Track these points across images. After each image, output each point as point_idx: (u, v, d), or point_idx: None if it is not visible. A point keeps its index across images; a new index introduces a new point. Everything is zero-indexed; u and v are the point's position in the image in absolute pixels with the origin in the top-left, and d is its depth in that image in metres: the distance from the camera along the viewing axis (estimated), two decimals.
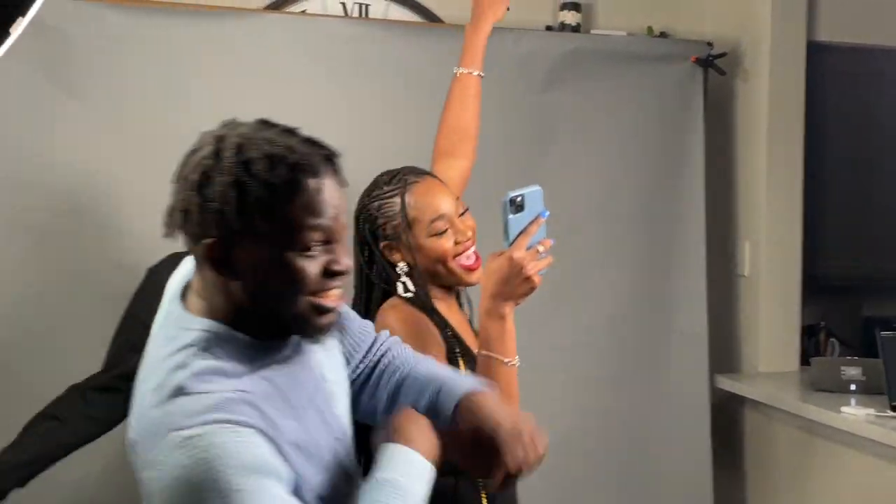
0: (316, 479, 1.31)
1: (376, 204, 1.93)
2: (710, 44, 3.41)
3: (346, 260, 1.31)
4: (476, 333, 1.93)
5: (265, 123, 1.34)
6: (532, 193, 1.73)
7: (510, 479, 1.39)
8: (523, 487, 2.77)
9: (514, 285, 1.69)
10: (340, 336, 1.57)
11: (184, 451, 1.16)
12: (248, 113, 2.99)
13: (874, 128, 3.48)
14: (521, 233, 1.71)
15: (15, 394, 2.68)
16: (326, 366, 1.47)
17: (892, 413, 2.73)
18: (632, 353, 3.36)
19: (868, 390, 2.97)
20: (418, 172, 1.98)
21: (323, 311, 1.31)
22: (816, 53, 3.45)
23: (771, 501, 3.32)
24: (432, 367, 1.60)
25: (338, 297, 1.33)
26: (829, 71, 3.47)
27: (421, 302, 1.90)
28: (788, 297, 3.45)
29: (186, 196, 1.27)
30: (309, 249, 1.26)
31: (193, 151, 1.30)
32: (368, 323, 1.68)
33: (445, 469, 1.61)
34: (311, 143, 1.33)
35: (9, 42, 1.33)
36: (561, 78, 3.31)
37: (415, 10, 3.45)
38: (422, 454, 1.34)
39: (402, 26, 3.32)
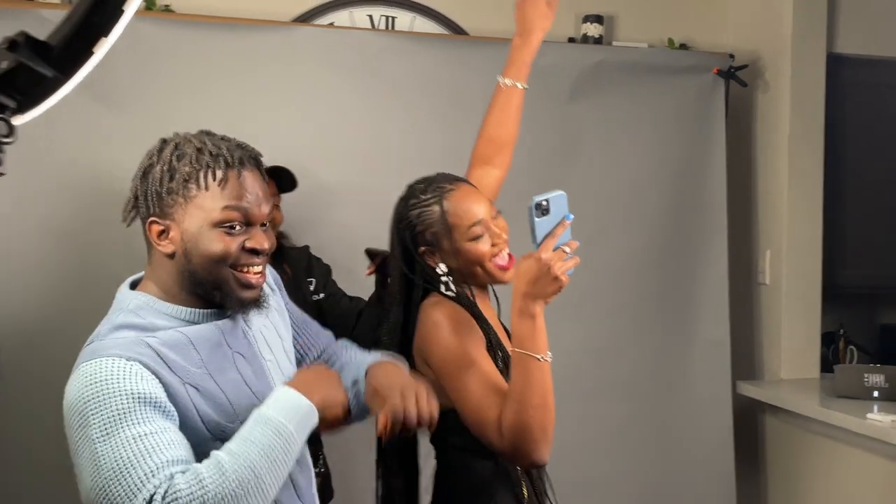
0: (220, 422, 1.49)
1: (416, 212, 1.99)
2: (731, 56, 3.43)
3: (263, 241, 1.54)
4: (504, 327, 2.01)
5: (206, 132, 1.58)
6: (557, 198, 1.77)
7: (399, 428, 1.53)
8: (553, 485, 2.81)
9: (543, 285, 1.74)
10: (295, 333, 1.82)
11: (77, 379, 1.41)
12: (277, 120, 3.07)
13: (893, 138, 3.48)
14: (547, 235, 1.75)
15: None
16: (268, 346, 1.68)
17: None
18: (655, 360, 3.37)
19: (891, 397, 2.98)
20: (452, 179, 2.03)
21: (244, 284, 1.54)
22: (836, 65, 3.46)
23: (791, 502, 3.33)
24: (359, 354, 1.81)
25: (257, 274, 1.55)
26: (848, 82, 3.47)
27: (464, 301, 1.96)
28: (809, 305, 3.45)
29: (134, 185, 1.56)
30: (231, 228, 1.51)
31: (147, 152, 1.57)
32: (328, 332, 1.91)
33: (485, 452, 1.81)
34: (239, 145, 1.57)
35: (94, 61, 1.34)
36: (584, 89, 3.34)
37: (440, 22, 3.50)
38: (313, 402, 1.50)
39: (428, 38, 3.35)
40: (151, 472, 1.35)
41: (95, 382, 1.39)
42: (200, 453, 1.43)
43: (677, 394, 3.38)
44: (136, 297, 1.55)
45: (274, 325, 1.74)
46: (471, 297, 1.99)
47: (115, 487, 1.34)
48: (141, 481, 1.35)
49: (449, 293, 1.98)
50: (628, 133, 3.37)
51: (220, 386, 1.52)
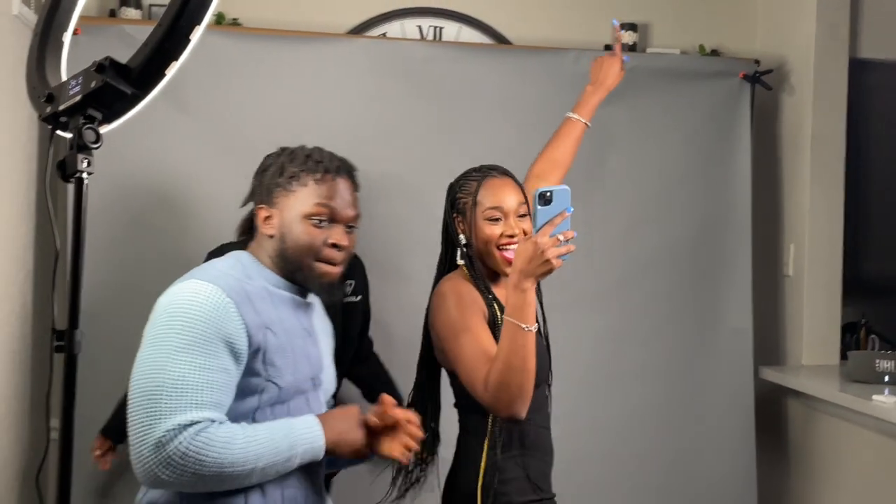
0: (280, 371, 1.72)
1: (460, 182, 2.26)
2: (757, 61, 3.50)
3: (343, 239, 1.82)
4: None
5: (318, 147, 1.90)
6: (560, 191, 1.94)
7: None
8: (582, 463, 2.91)
9: (536, 265, 1.91)
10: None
11: (184, 289, 1.67)
12: (332, 126, 3.20)
13: None
14: (546, 223, 1.93)
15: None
16: (320, 332, 1.93)
17: None
18: (682, 346, 3.43)
19: None
20: (502, 171, 2.25)
21: (321, 274, 1.80)
22: (859, 69, 3.50)
23: (810, 484, 3.35)
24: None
25: (334, 267, 1.82)
26: (870, 85, 3.52)
27: (471, 269, 2.18)
28: (830, 296, 3.49)
29: (253, 181, 1.90)
30: (319, 222, 1.79)
31: (268, 154, 1.91)
32: None
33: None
34: (340, 158, 1.88)
35: (164, 81, 1.56)
36: (618, 93, 3.29)
37: (485, 32, 3.60)
38: (327, 441, 1.73)
39: (473, 48, 3.45)
40: (201, 403, 1.58)
41: (196, 301, 1.64)
42: (248, 388, 1.68)
43: (702, 378, 3.44)
44: (244, 255, 1.84)
45: (325, 330, 2.00)
46: (478, 268, 2.17)
47: (170, 396, 1.56)
48: (191, 404, 1.57)
49: (461, 262, 2.19)
50: (659, 133, 3.45)
51: (291, 344, 1.76)
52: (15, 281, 2.89)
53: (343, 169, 1.86)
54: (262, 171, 1.88)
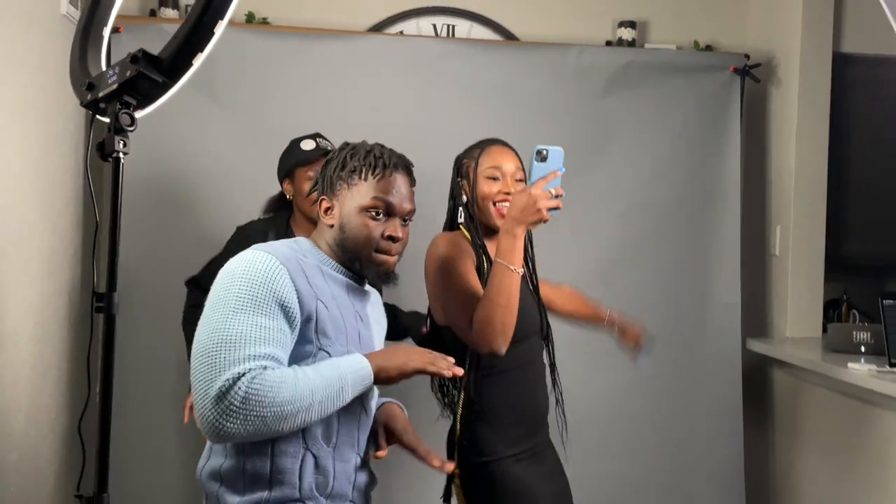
0: (330, 339, 1.70)
1: (466, 151, 2.34)
2: (747, 56, 3.52)
3: (398, 231, 1.79)
4: None
5: (379, 144, 1.88)
6: (555, 151, 2.00)
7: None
8: (581, 427, 2.97)
9: (527, 214, 1.98)
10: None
11: (243, 257, 1.68)
12: (353, 116, 3.24)
13: (892, 128, 3.51)
14: (541, 178, 1.99)
15: None
16: (373, 321, 1.90)
17: (890, 369, 2.80)
18: (675, 319, 3.46)
19: (876, 352, 3.02)
20: (501, 142, 2.33)
21: (378, 263, 1.79)
22: (842, 63, 3.50)
23: (793, 445, 3.37)
24: None
25: (391, 257, 1.80)
26: (852, 78, 3.51)
27: (471, 227, 2.25)
28: (813, 274, 3.51)
29: (321, 173, 1.86)
30: (376, 214, 1.77)
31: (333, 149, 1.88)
32: None
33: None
34: (400, 154, 1.86)
35: (191, 71, 1.61)
36: (618, 85, 3.45)
37: (494, 29, 3.63)
38: (371, 366, 1.71)
39: (483, 43, 3.49)
40: (255, 355, 1.57)
41: (252, 268, 1.64)
42: (302, 355, 1.68)
43: (694, 348, 3.47)
44: (303, 238, 1.83)
45: (380, 322, 1.97)
46: (479, 231, 2.24)
47: (227, 351, 1.56)
48: (246, 356, 1.56)
49: (461, 221, 2.26)
50: (656, 122, 3.48)
51: (343, 320, 1.74)
52: (66, 255, 2.97)
53: (401, 165, 1.83)
54: (325, 165, 1.86)
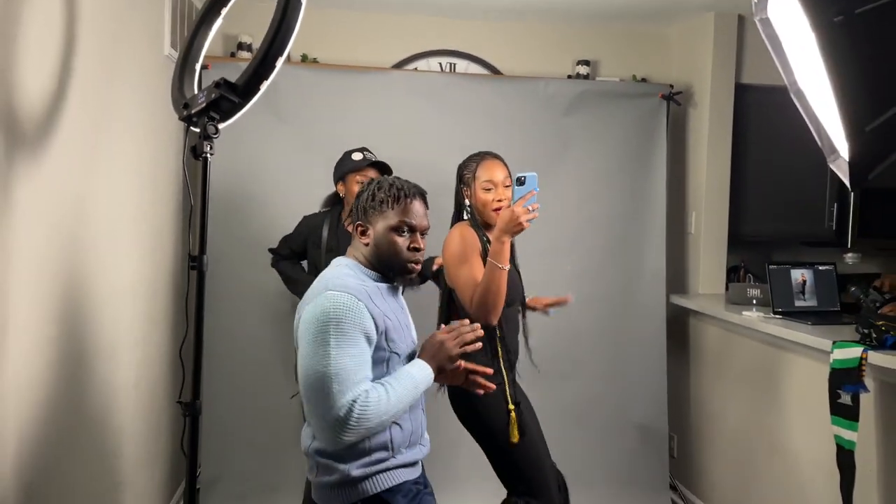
0: (397, 344, 1.66)
1: (465, 163, 2.34)
2: (671, 86, 3.52)
3: (420, 244, 1.71)
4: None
5: (397, 177, 1.76)
6: (531, 176, 2.04)
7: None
8: (545, 361, 2.99)
9: (511, 226, 2.03)
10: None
11: (324, 299, 1.57)
12: (381, 132, 3.24)
13: (778, 138, 3.49)
14: (520, 198, 2.03)
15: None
16: (406, 309, 1.83)
17: (774, 315, 2.85)
18: (617, 281, 3.48)
19: (764, 304, 3.06)
20: (493, 155, 2.33)
21: (408, 270, 1.71)
22: (741, 91, 3.50)
23: (704, 374, 3.40)
24: None
25: (416, 264, 1.71)
26: (749, 102, 3.50)
27: (473, 221, 2.27)
28: (719, 247, 3.53)
29: (355, 204, 1.75)
30: (402, 233, 1.69)
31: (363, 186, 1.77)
32: None
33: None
34: (414, 185, 1.75)
35: (259, 94, 1.63)
36: (575, 108, 3.45)
37: (484, 66, 3.64)
38: (433, 370, 1.68)
39: (477, 77, 3.50)
40: (359, 381, 1.53)
41: (339, 309, 1.54)
42: (379, 359, 1.62)
43: (630, 303, 3.49)
44: (349, 261, 1.72)
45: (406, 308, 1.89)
46: (479, 225, 2.25)
47: (337, 383, 1.50)
48: (352, 383, 1.52)
49: (466, 217, 2.28)
50: (604, 136, 3.47)
51: (398, 322, 1.69)
52: (173, 230, 3.00)
53: (417, 192, 1.74)
54: (357, 196, 1.75)
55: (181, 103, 1.70)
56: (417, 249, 1.71)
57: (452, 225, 2.35)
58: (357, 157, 2.74)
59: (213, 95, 1.60)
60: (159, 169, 2.80)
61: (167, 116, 2.80)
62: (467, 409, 2.24)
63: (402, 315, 1.76)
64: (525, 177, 2.04)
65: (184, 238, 3.18)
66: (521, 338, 2.36)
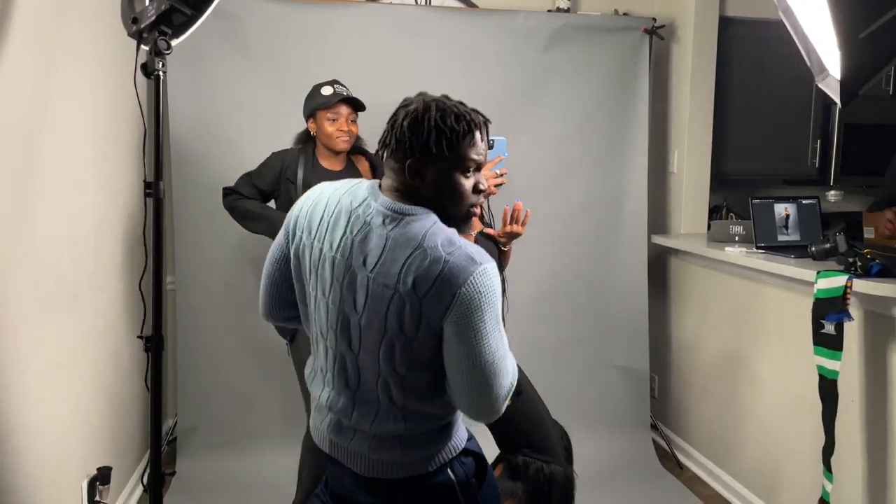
0: None
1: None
2: (654, 19, 3.40)
3: (485, 182, 1.43)
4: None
5: (447, 97, 1.39)
6: (500, 140, 1.96)
7: None
8: (533, 303, 2.91)
9: None
10: None
11: (483, 276, 1.27)
12: (353, 68, 3.11)
13: (763, 73, 3.43)
14: (489, 161, 1.94)
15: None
16: None
17: (756, 251, 2.82)
18: (599, 221, 3.42)
19: (746, 241, 3.02)
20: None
21: (471, 214, 1.43)
22: (725, 24, 3.42)
23: (685, 315, 3.39)
24: None
25: (478, 206, 1.44)
26: (733, 36, 3.42)
27: None
28: (701, 186, 3.48)
29: (402, 133, 1.34)
30: (468, 172, 1.37)
31: (405, 106, 1.37)
32: None
33: None
34: (475, 111, 1.40)
35: (212, 7, 1.51)
36: (555, 44, 3.32)
37: None
38: None
39: (451, 10, 3.35)
40: (512, 365, 1.37)
41: (493, 283, 1.29)
42: None
43: (613, 242, 3.44)
44: (423, 210, 1.36)
45: None
46: None
47: (503, 363, 1.32)
48: (510, 362, 1.35)
49: None
50: (584, 72, 3.37)
51: None
52: (136, 164, 2.86)
53: (483, 121, 1.41)
54: (413, 127, 1.34)
55: (130, 17, 1.59)
56: (481, 191, 1.42)
57: None
58: (327, 91, 2.59)
59: (162, 7, 1.49)
60: (118, 97, 2.65)
61: (121, 34, 2.64)
62: None
63: None
64: (493, 140, 1.96)
65: (140, 163, 2.97)
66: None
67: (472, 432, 1.54)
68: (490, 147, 1.93)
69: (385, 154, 1.39)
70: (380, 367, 1.33)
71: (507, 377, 1.33)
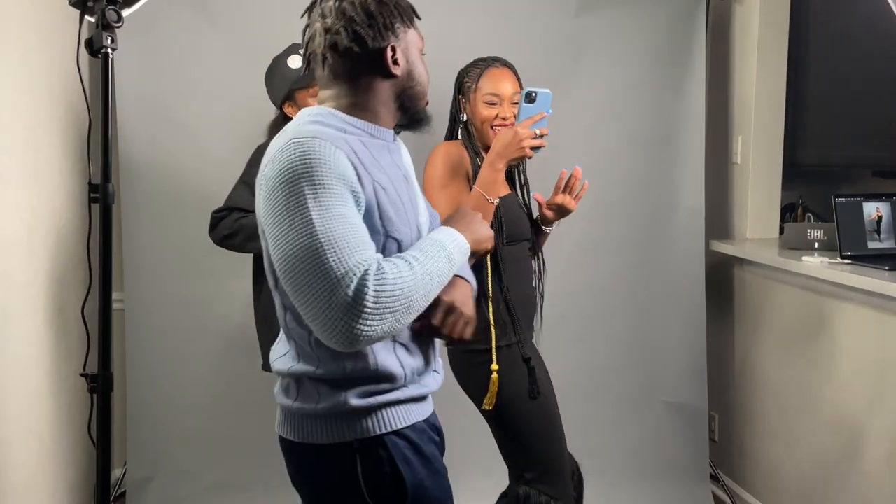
0: (397, 224, 1.45)
1: (467, 69, 2.30)
2: None
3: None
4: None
5: None
6: (544, 93, 1.98)
7: (436, 333, 1.53)
8: (566, 319, 2.91)
9: (511, 150, 1.99)
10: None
11: (290, 149, 1.34)
12: None
13: (847, 42, 3.41)
14: (528, 118, 1.96)
15: None
16: (412, 175, 1.65)
17: (842, 261, 2.79)
18: (646, 222, 3.42)
19: (828, 248, 2.99)
20: (504, 63, 2.29)
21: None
22: None
23: (753, 340, 3.37)
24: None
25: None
26: None
27: (468, 140, 2.25)
28: (771, 180, 3.46)
29: (348, 20, 1.45)
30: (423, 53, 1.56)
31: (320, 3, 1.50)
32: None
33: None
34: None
35: None
36: (590, 6, 3.32)
37: None
38: (469, 242, 1.53)
39: None
40: (362, 248, 1.32)
41: (308, 158, 1.32)
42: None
43: (663, 249, 3.43)
44: (320, 109, 1.48)
45: (413, 172, 1.69)
46: (474, 143, 2.23)
47: (333, 254, 1.29)
48: (356, 253, 1.30)
49: (459, 136, 2.26)
50: (626, 40, 3.36)
51: (399, 194, 1.48)
52: (79, 158, 2.87)
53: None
54: (366, 12, 1.46)
55: None
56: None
57: (452, 131, 2.33)
58: (295, 63, 2.56)
59: None
60: (55, 78, 2.64)
61: (61, 5, 2.63)
62: (462, 373, 2.26)
63: (406, 185, 1.55)
64: (536, 93, 1.98)
65: (82, 161, 2.96)
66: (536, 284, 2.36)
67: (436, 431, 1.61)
68: (530, 100, 1.98)
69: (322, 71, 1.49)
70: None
71: (342, 279, 1.28)
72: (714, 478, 3.53)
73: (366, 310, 1.28)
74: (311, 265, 1.29)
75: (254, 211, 2.46)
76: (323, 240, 1.29)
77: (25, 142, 2.43)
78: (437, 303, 1.47)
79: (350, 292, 1.27)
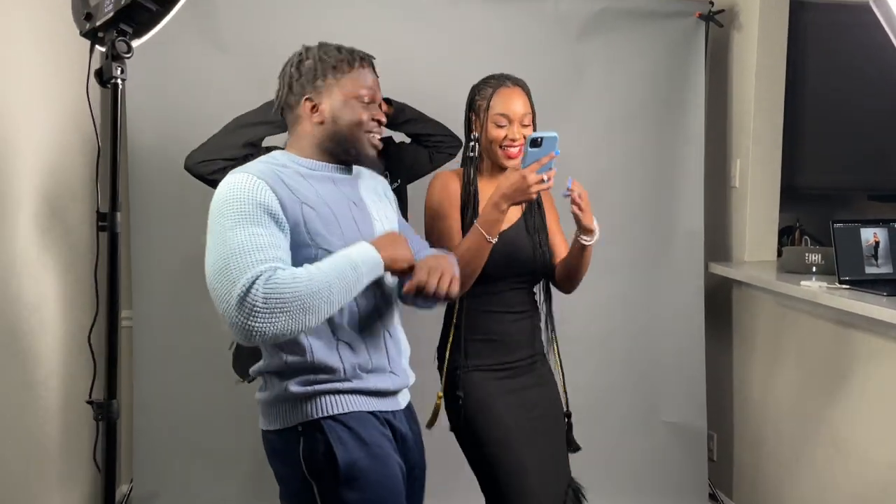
0: (327, 237, 1.66)
1: (479, 87, 2.26)
2: (711, 2, 3.40)
3: (382, 115, 1.81)
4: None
5: (327, 43, 1.82)
6: (549, 138, 1.95)
7: (422, 293, 1.68)
8: (563, 341, 2.90)
9: (517, 194, 1.98)
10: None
11: (224, 185, 1.62)
12: (345, 38, 3.05)
13: (844, 69, 3.40)
14: (534, 162, 1.94)
15: None
16: (370, 202, 1.84)
17: (840, 286, 2.76)
18: (645, 244, 3.41)
19: (826, 272, 2.97)
20: (515, 81, 2.25)
21: (372, 144, 1.79)
22: (798, 9, 3.39)
23: (751, 361, 3.35)
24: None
25: (378, 139, 1.80)
26: (807, 23, 3.39)
27: (470, 161, 2.23)
28: (769, 204, 3.44)
29: (290, 77, 1.78)
30: (363, 102, 1.76)
31: (288, 60, 1.81)
32: (424, 243, 2.00)
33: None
34: (356, 49, 1.82)
35: (182, 1, 1.51)
36: (592, 31, 3.32)
37: None
38: (382, 257, 1.66)
39: None
40: (262, 259, 1.53)
41: (233, 189, 1.59)
42: (303, 257, 1.63)
43: (662, 271, 3.42)
44: (276, 152, 1.77)
45: (380, 199, 1.90)
46: (477, 162, 2.23)
47: (235, 261, 1.52)
48: (254, 261, 1.52)
49: (471, 154, 2.23)
50: (627, 65, 3.36)
51: (336, 214, 1.70)
52: (88, 184, 2.85)
53: (368, 57, 1.84)
54: (298, 66, 1.79)
55: (83, 13, 1.57)
56: (378, 122, 1.80)
57: (463, 164, 2.29)
58: None
59: (123, 1, 1.46)
60: (68, 105, 2.63)
61: (72, 32, 2.61)
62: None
63: (352, 208, 1.76)
64: (542, 138, 1.96)
65: (90, 187, 2.95)
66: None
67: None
68: (536, 145, 1.94)
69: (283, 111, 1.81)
70: None
71: (238, 280, 1.50)
72: (713, 497, 3.50)
73: (255, 308, 1.49)
74: (220, 270, 1.53)
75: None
76: (231, 250, 1.53)
77: (38, 166, 2.42)
78: (420, 266, 1.70)
79: (242, 292, 1.49)
